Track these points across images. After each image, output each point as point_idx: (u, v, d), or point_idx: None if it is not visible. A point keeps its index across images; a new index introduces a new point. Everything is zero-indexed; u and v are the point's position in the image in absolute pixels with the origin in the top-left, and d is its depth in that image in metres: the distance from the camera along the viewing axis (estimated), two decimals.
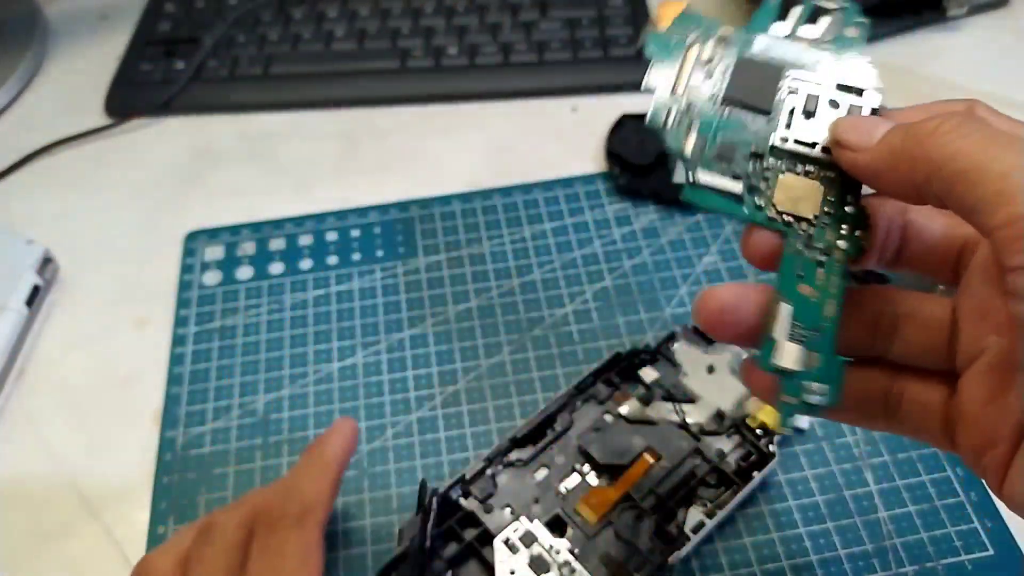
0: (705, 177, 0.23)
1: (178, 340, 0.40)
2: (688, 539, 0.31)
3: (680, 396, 0.35)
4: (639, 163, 0.44)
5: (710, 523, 0.31)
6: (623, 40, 0.51)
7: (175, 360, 0.39)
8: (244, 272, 0.42)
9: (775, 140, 0.22)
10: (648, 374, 0.36)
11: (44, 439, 0.37)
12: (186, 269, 0.43)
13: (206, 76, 0.52)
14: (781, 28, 0.25)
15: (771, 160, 0.22)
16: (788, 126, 0.22)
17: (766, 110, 0.23)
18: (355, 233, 0.44)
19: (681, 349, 0.36)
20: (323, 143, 0.49)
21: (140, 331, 0.41)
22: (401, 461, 0.35)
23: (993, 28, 0.52)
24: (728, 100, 0.24)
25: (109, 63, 0.54)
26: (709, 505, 0.32)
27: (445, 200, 0.45)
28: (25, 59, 0.54)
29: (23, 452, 0.37)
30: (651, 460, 0.33)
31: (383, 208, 0.45)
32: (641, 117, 0.47)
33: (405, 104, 0.51)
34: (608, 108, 0.48)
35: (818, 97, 0.23)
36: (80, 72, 0.54)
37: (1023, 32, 0.52)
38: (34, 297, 0.41)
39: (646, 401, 0.35)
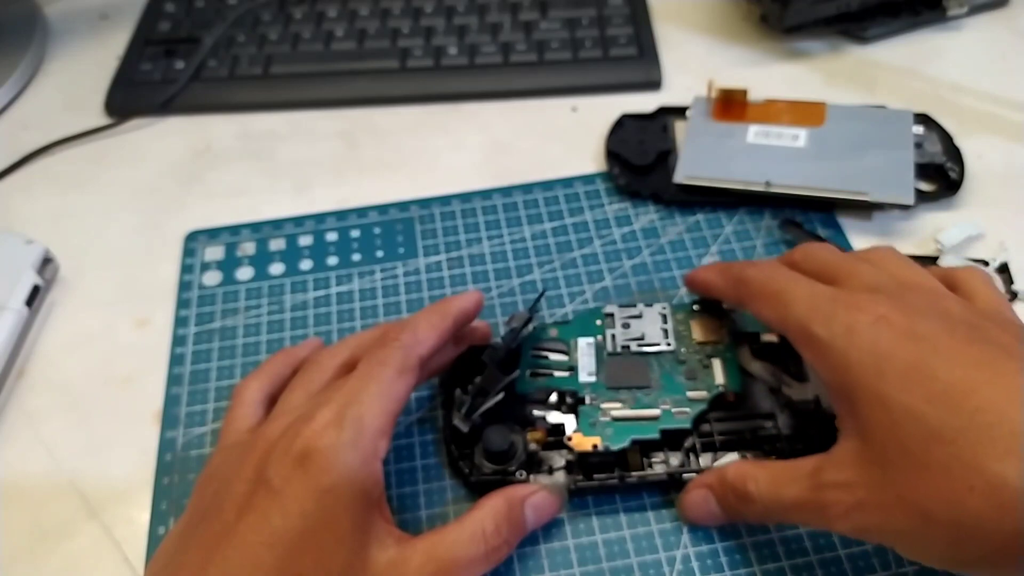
0: None
1: (178, 340, 0.40)
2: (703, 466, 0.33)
3: (792, 368, 0.35)
4: (639, 163, 0.44)
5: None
6: (623, 40, 0.51)
7: (175, 360, 0.39)
8: (244, 272, 0.42)
9: None
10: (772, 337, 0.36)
11: (44, 439, 0.37)
12: (186, 269, 0.43)
13: (206, 76, 0.52)
14: None
15: None
16: None
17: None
18: (355, 233, 0.44)
19: None
20: (323, 143, 0.49)
21: (140, 331, 0.41)
22: (401, 462, 0.35)
23: (993, 28, 0.52)
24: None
25: (109, 63, 0.54)
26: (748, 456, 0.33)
27: (445, 200, 0.45)
28: (25, 59, 0.54)
29: (23, 452, 0.37)
30: (731, 399, 0.34)
31: (383, 208, 0.45)
32: (641, 117, 0.47)
33: (405, 104, 0.51)
34: (608, 108, 0.48)
35: None
36: (80, 72, 0.54)
37: (1023, 32, 0.52)
38: (34, 297, 0.41)
39: (760, 355, 0.35)
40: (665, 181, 0.43)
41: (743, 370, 0.35)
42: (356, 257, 0.43)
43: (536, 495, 0.31)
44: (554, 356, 0.35)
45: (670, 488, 0.33)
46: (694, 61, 0.51)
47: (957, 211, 0.42)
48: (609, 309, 0.37)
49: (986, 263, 0.39)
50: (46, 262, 0.42)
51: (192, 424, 0.37)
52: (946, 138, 0.44)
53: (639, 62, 0.50)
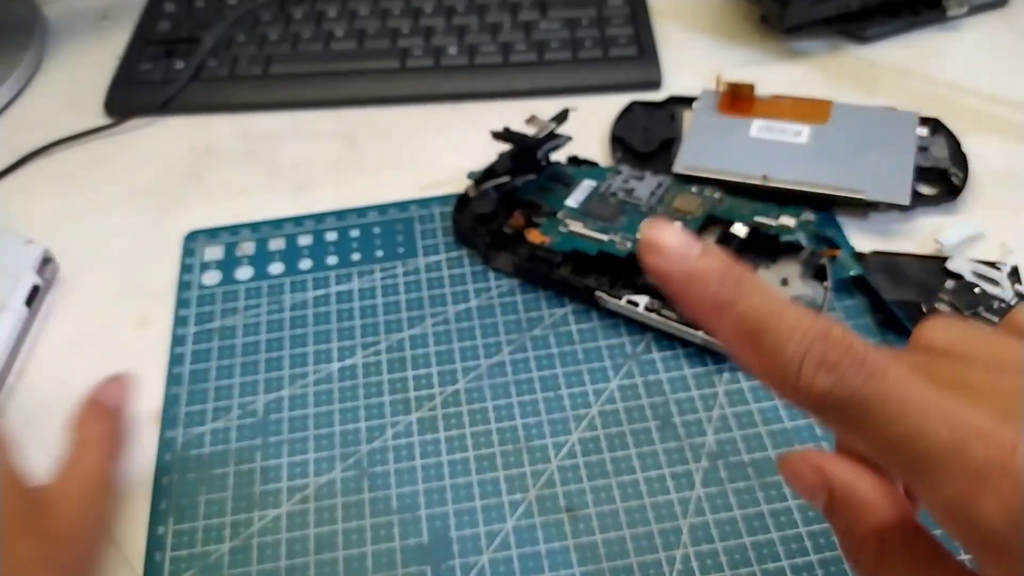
0: None
1: (178, 340, 0.40)
2: None
3: (754, 266, 0.39)
4: (642, 150, 0.45)
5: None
6: (623, 40, 0.51)
7: (175, 360, 0.39)
8: (244, 272, 0.42)
9: None
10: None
11: (44, 439, 0.37)
12: (186, 269, 0.43)
13: (206, 76, 0.52)
14: None
15: None
16: None
17: None
18: (355, 233, 0.44)
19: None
20: (323, 143, 0.49)
21: (140, 331, 0.41)
22: (401, 461, 0.35)
23: (993, 28, 0.52)
24: None
25: (109, 63, 0.54)
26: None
27: (445, 200, 0.45)
28: (25, 59, 0.54)
29: (23, 452, 0.36)
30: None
31: (383, 208, 0.45)
32: (650, 105, 0.48)
33: (405, 104, 0.51)
34: (608, 107, 0.48)
35: None
36: (80, 72, 0.54)
37: (1023, 32, 0.52)
38: (33, 297, 0.41)
39: (723, 241, 0.40)
40: (665, 169, 0.44)
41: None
42: (356, 257, 0.43)
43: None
44: (559, 185, 0.43)
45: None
46: (694, 61, 0.51)
47: (957, 211, 0.42)
48: (621, 168, 0.43)
49: (995, 265, 0.39)
50: (46, 262, 0.42)
51: (192, 424, 0.37)
52: (953, 143, 0.44)
53: (639, 62, 0.50)
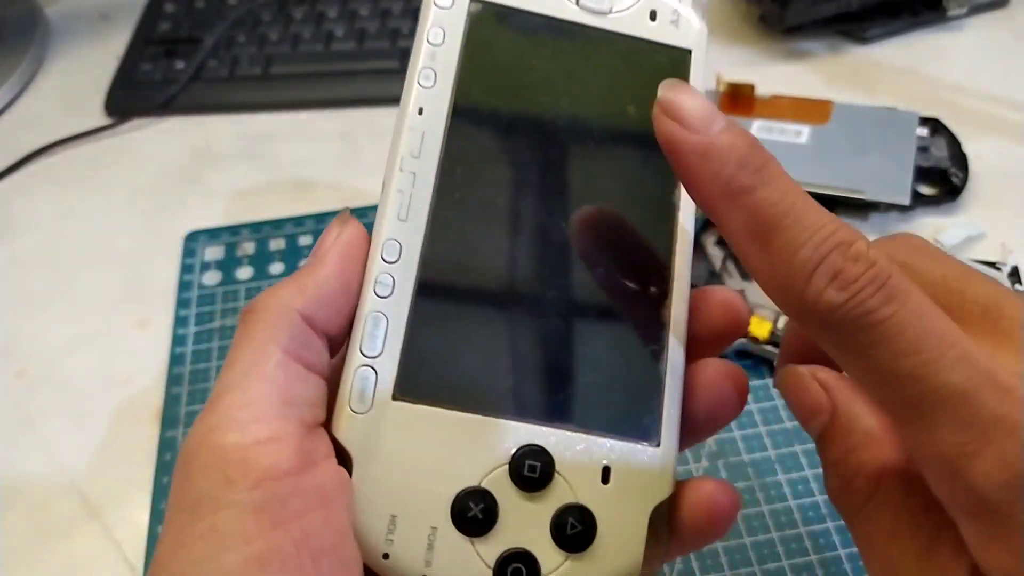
0: None
1: (178, 340, 0.40)
2: None
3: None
4: None
5: None
6: None
7: (175, 360, 0.39)
8: (244, 272, 0.42)
9: None
10: None
11: (44, 439, 0.37)
12: (186, 269, 0.43)
13: (206, 76, 0.52)
14: None
15: None
16: None
17: None
18: None
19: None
20: (323, 143, 0.49)
21: (140, 331, 0.40)
22: None
23: (993, 28, 0.52)
24: None
25: (109, 63, 0.54)
26: None
27: None
28: (25, 59, 0.54)
29: (23, 452, 0.37)
30: None
31: None
32: None
33: None
34: None
35: None
36: (80, 72, 0.54)
37: (1023, 32, 0.52)
38: None
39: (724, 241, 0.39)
40: None
41: (698, 243, 0.37)
42: None
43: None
44: None
45: None
46: None
47: (957, 211, 0.42)
48: None
49: (995, 265, 0.39)
50: None
51: (192, 424, 0.37)
52: (954, 143, 0.44)
53: None
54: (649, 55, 0.22)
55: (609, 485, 0.19)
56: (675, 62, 0.22)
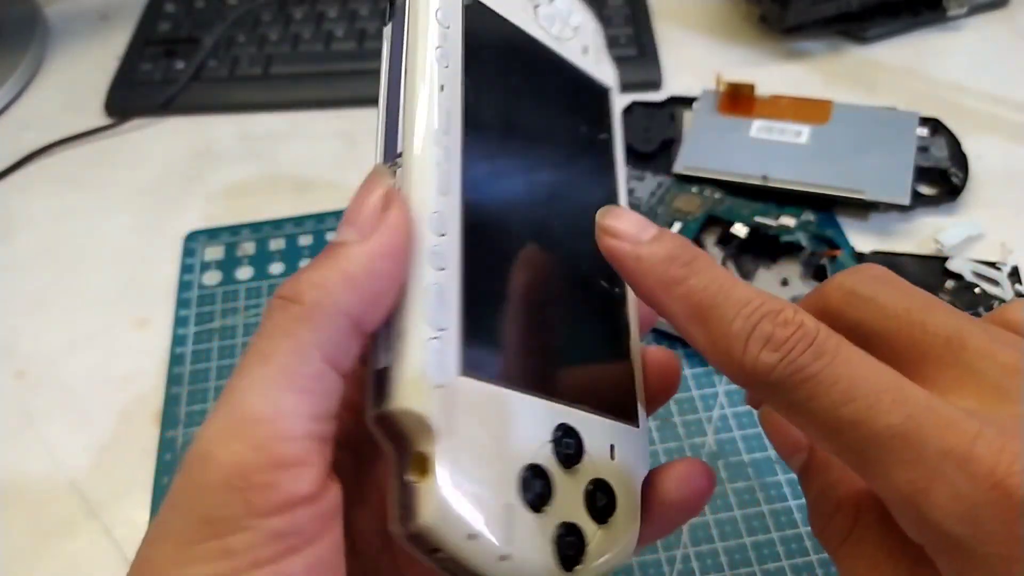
0: None
1: (178, 340, 0.40)
2: None
3: (746, 267, 0.40)
4: (643, 150, 0.45)
5: None
6: (623, 40, 0.51)
7: (175, 360, 0.39)
8: (244, 272, 0.42)
9: None
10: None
11: (44, 439, 0.37)
12: (186, 269, 0.43)
13: (206, 76, 0.52)
14: None
15: None
16: None
17: None
18: None
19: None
20: (323, 143, 0.49)
21: (140, 331, 0.41)
22: None
23: (993, 28, 0.52)
24: None
25: (109, 63, 0.54)
26: None
27: None
28: (25, 59, 0.54)
29: (23, 452, 0.37)
30: None
31: None
32: (650, 105, 0.48)
33: None
34: None
35: None
36: (80, 72, 0.54)
37: (1023, 32, 0.52)
38: None
39: (723, 241, 0.40)
40: (666, 169, 0.44)
41: (697, 243, 0.37)
42: None
43: None
44: None
45: None
46: (694, 61, 0.51)
47: (957, 211, 0.42)
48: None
49: (995, 265, 0.39)
50: None
51: (192, 424, 0.37)
52: (954, 144, 0.44)
53: (639, 62, 0.50)
54: (583, 82, 0.25)
55: (615, 461, 0.20)
56: (600, 96, 0.26)
